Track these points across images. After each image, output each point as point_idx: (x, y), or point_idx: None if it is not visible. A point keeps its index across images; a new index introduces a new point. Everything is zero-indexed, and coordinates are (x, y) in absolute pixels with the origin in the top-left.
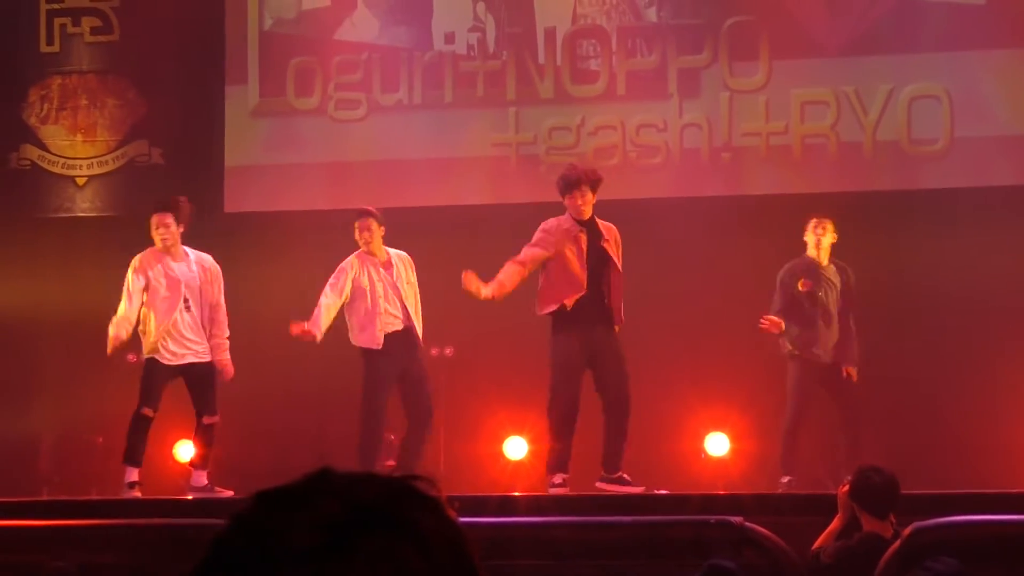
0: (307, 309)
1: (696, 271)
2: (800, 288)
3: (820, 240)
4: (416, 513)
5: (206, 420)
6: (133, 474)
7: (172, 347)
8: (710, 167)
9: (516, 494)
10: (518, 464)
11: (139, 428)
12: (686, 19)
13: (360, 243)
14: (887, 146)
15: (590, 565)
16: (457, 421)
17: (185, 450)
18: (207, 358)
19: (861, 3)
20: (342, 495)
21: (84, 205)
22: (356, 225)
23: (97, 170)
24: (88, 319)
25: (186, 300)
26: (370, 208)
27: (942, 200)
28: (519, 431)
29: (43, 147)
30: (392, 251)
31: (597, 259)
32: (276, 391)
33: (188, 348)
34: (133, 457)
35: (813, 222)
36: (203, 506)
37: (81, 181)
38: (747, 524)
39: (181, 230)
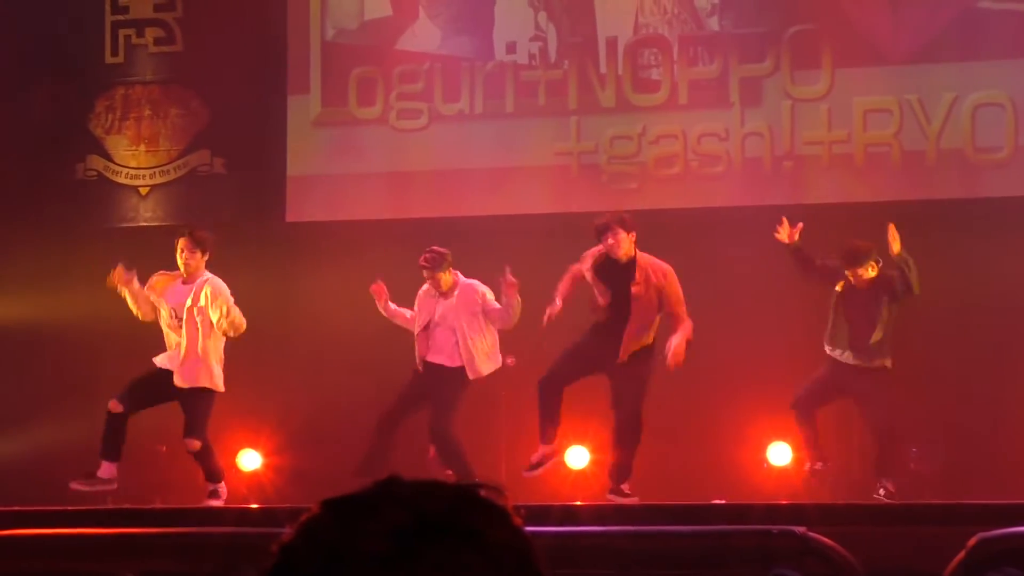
0: (368, 317)
1: (759, 280)
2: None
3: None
4: (482, 522)
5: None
6: (218, 487)
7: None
8: (772, 176)
9: (578, 503)
10: (580, 473)
11: (207, 453)
12: (748, 28)
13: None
14: (951, 154)
15: (652, 575)
16: (519, 430)
17: (248, 459)
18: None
19: (925, 11)
20: (409, 504)
21: (147, 215)
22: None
23: (159, 180)
24: (152, 327)
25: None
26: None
27: (1007, 208)
28: (581, 440)
29: (108, 157)
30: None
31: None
32: (337, 398)
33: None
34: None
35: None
36: (268, 515)
37: (144, 191)
38: (810, 534)
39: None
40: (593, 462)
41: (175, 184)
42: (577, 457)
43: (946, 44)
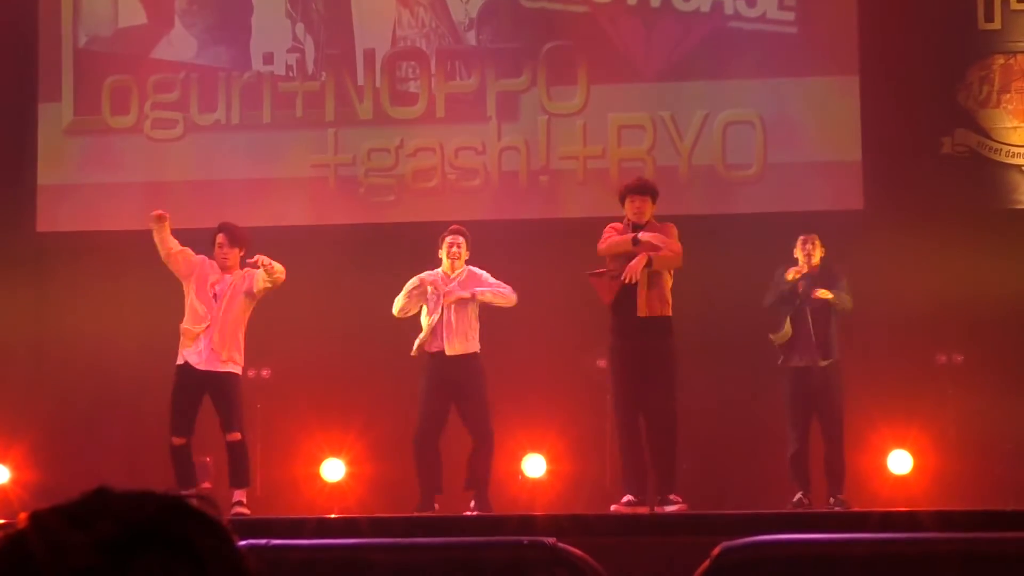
0: (122, 325)
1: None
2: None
3: (810, 257)
4: (193, 531)
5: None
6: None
7: None
8: (528, 190)
9: (332, 516)
10: (335, 486)
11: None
12: (505, 43)
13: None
14: (702, 170)
15: None
16: (274, 443)
17: None
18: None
19: (677, 30)
20: (117, 514)
21: None
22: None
23: None
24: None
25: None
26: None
27: (756, 224)
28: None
29: None
30: None
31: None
32: (89, 410)
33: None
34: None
35: (800, 239)
36: None
37: None
38: (560, 545)
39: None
40: (348, 475)
41: None
42: (332, 470)
43: (698, 62)
